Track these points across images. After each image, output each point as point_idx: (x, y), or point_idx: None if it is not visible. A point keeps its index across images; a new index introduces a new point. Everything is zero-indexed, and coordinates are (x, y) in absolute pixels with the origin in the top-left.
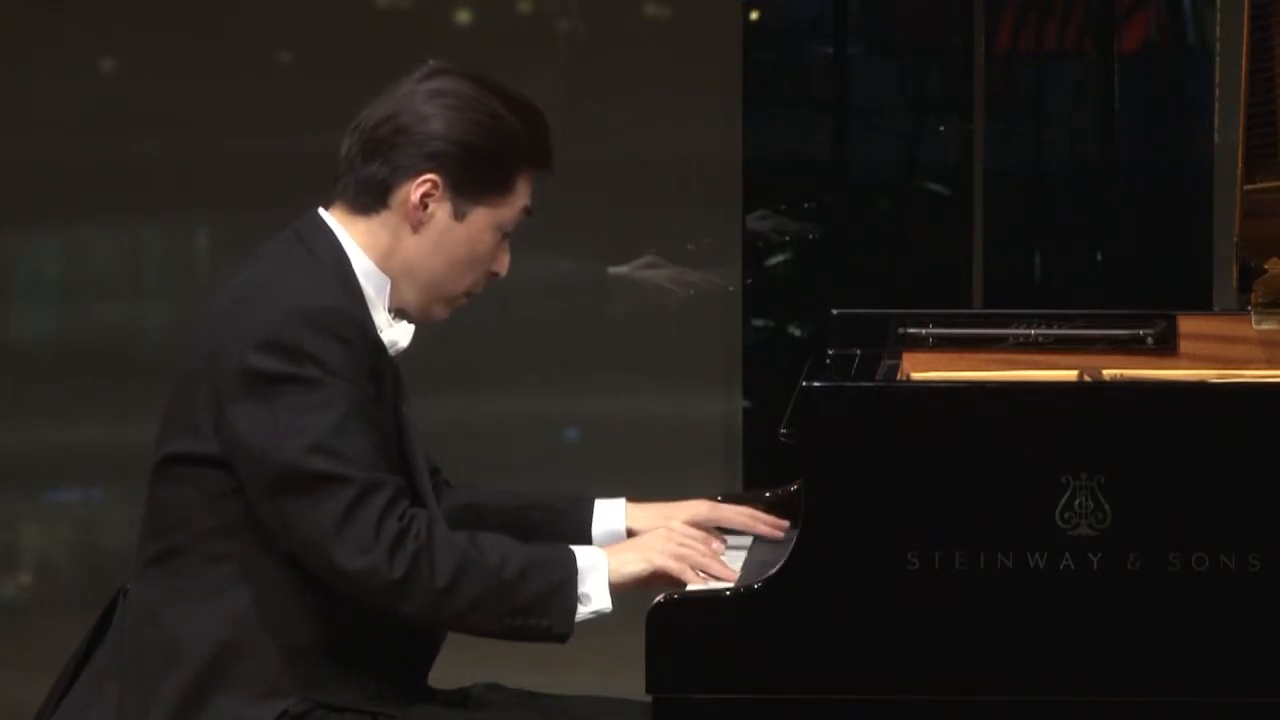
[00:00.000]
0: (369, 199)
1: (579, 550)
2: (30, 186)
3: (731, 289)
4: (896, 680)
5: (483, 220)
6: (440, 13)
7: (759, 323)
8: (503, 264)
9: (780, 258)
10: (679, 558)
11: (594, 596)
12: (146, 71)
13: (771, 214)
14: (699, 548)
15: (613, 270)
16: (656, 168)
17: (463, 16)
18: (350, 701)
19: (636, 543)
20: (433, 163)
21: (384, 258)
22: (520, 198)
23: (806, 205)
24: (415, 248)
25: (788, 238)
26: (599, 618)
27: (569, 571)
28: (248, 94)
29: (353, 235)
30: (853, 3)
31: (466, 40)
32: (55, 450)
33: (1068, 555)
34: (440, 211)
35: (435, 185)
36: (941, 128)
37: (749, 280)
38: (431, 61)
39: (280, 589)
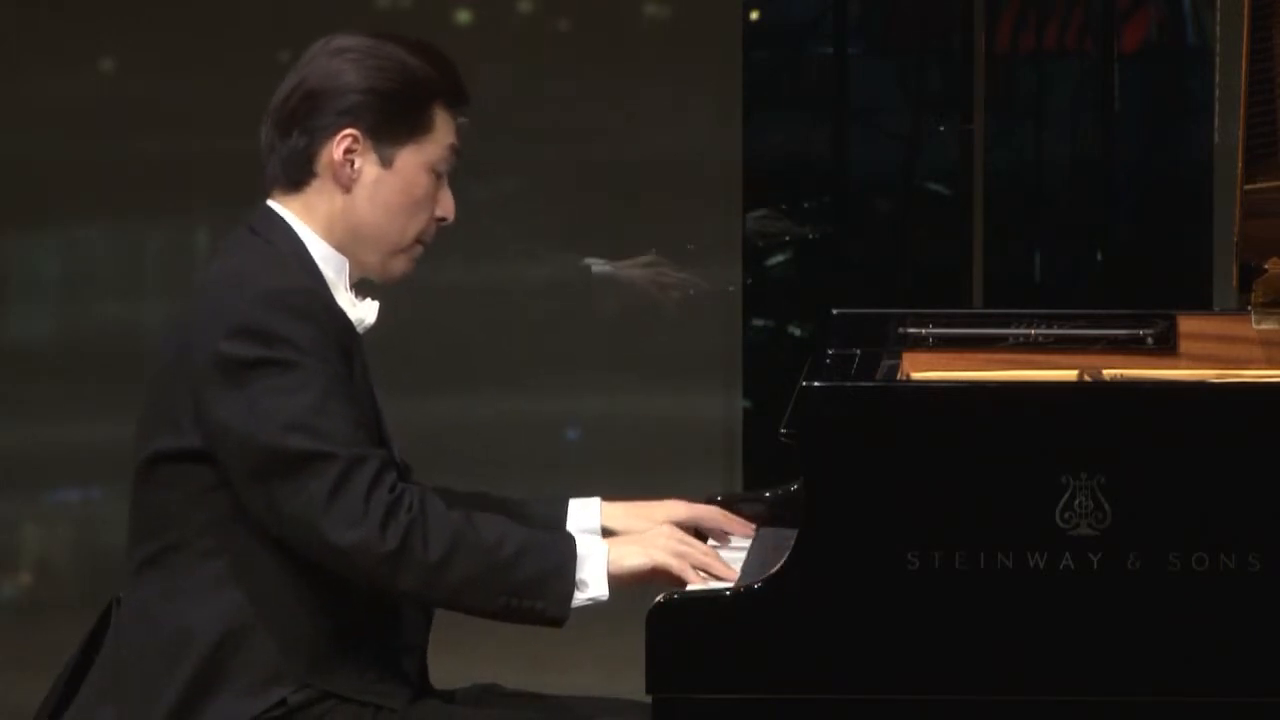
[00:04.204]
0: (296, 172)
1: (579, 536)
2: (30, 186)
3: (731, 289)
4: (897, 680)
5: (412, 162)
6: (440, 13)
7: (759, 323)
8: (446, 207)
9: (780, 258)
10: (680, 555)
11: (591, 583)
12: (146, 71)
13: (774, 214)
14: (701, 546)
15: (606, 268)
16: (656, 168)
17: (463, 16)
18: (349, 689)
19: (638, 537)
20: (347, 117)
21: (330, 230)
22: (443, 135)
23: (806, 205)
24: (352, 207)
25: (788, 237)
26: (598, 608)
27: (568, 555)
28: (248, 94)
29: (299, 216)
30: (853, 3)
31: (466, 40)
32: (55, 450)
33: (1068, 555)
34: (367, 164)
35: (355, 139)
36: (941, 128)
37: (749, 280)
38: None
39: (275, 579)
